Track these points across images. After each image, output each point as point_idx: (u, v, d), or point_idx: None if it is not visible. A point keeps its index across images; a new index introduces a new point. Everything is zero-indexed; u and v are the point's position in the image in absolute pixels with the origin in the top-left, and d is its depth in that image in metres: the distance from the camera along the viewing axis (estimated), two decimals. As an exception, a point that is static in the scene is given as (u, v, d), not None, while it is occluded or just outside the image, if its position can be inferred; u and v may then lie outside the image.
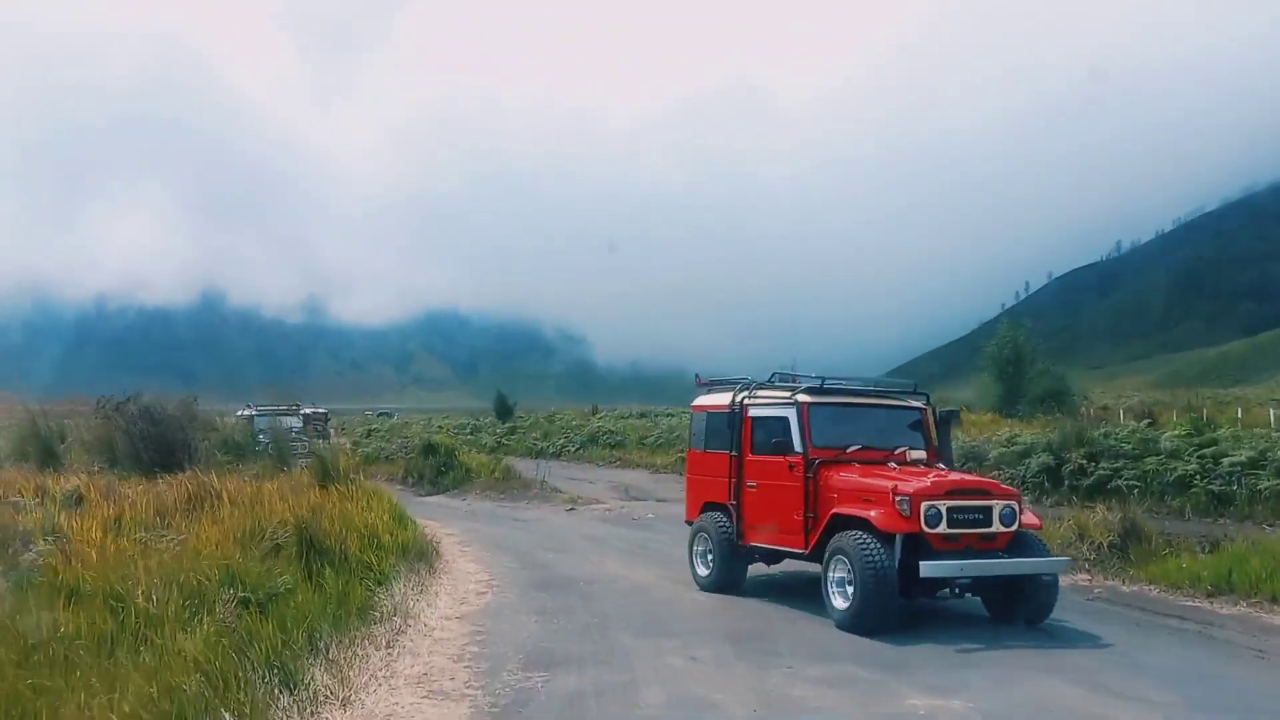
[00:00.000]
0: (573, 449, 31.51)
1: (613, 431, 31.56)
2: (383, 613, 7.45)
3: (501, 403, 49.79)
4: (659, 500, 19.42)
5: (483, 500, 20.29)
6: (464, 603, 8.65)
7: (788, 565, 9.62)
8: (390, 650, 6.61)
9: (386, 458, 27.21)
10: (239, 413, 25.23)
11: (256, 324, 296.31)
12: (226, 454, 21.11)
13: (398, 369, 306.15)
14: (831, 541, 7.95)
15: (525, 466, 23.40)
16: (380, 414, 73.78)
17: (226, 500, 10.70)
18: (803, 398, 8.84)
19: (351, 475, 14.77)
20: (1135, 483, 14.20)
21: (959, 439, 19.60)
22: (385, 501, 13.04)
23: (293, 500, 10.83)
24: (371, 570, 8.78)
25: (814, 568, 8.63)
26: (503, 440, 36.05)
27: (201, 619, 5.72)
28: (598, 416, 42.93)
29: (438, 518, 16.20)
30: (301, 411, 26.67)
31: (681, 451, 26.29)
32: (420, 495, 21.95)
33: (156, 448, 18.11)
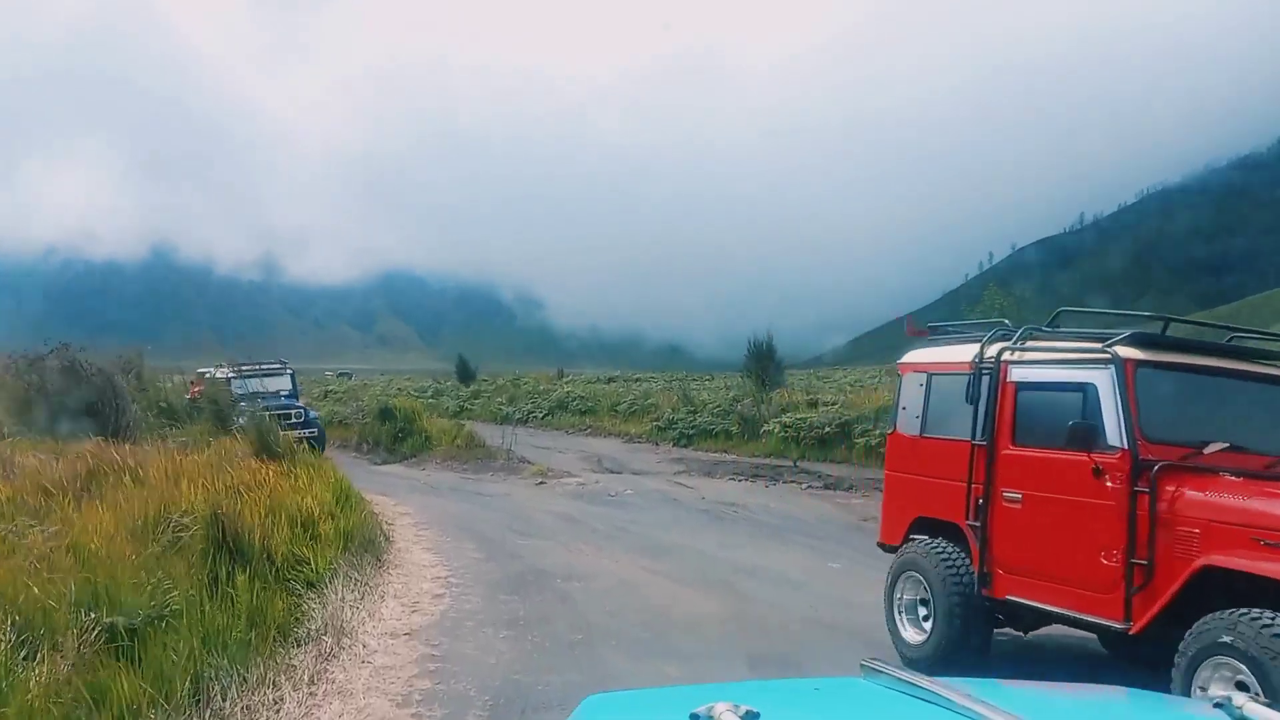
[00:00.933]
0: (540, 415, 29.94)
1: (583, 397, 30.01)
2: (310, 630, 5.87)
3: (463, 365, 47.93)
4: (635, 473, 17.97)
5: (443, 471, 18.67)
6: (416, 609, 7.08)
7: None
8: (313, 689, 5.03)
9: (341, 422, 25.40)
10: (210, 372, 21.47)
11: (211, 281, 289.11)
12: (161, 417, 19.28)
13: (361, 329, 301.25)
14: (1202, 624, 4.36)
15: (490, 433, 21.80)
16: (340, 374, 71.41)
17: (133, 477, 9.01)
18: (1127, 352, 5.12)
19: (294, 444, 13.10)
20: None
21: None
22: (330, 476, 11.42)
23: (216, 477, 9.18)
24: (304, 568, 7.20)
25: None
26: (466, 405, 34.34)
27: (43, 661, 4.10)
28: (566, 381, 41.36)
29: (392, 492, 14.60)
30: (289, 369, 21.92)
31: (656, 421, 24.90)
32: (375, 464, 20.33)
33: (79, 410, 16.27)
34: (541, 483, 16.32)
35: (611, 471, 18.19)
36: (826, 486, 15.84)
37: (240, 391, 19.19)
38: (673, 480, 16.52)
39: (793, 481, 16.50)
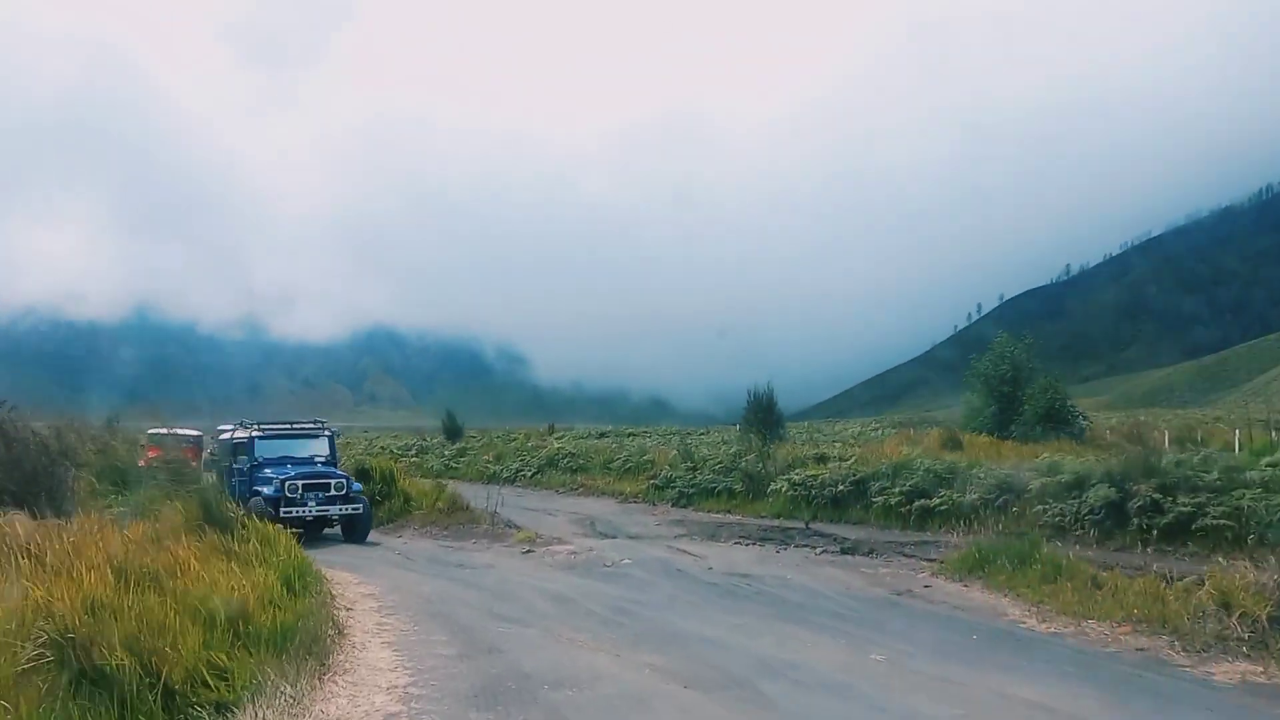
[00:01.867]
0: (529, 473, 28.33)
1: (574, 454, 28.43)
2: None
3: (451, 422, 46.29)
4: (631, 537, 16.38)
5: (421, 538, 17.02)
6: (360, 740, 5.51)
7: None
8: None
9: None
10: (220, 436, 19.05)
11: (196, 341, 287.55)
12: (108, 484, 17.63)
13: (352, 387, 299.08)
14: None
15: (475, 494, 20.17)
16: (326, 433, 69.32)
17: (35, 561, 7.43)
18: None
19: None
20: (1228, 522, 11.53)
21: (979, 465, 16.91)
22: (282, 552, 9.83)
23: (132, 559, 7.62)
24: (220, 682, 5.63)
25: None
26: (451, 463, 32.72)
27: None
28: (556, 437, 39.80)
29: (359, 566, 12.98)
30: (327, 431, 17.93)
31: (653, 479, 23.21)
32: (348, 531, 18.64)
33: (12, 478, 14.70)
34: (529, 551, 14.71)
35: (606, 536, 16.60)
36: (844, 551, 14.30)
37: (265, 457, 16.66)
38: (674, 546, 14.94)
39: (805, 545, 14.96)
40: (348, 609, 9.32)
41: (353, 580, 11.29)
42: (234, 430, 18.08)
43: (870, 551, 14.06)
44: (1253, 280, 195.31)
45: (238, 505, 15.49)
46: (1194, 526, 11.79)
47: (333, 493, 16.04)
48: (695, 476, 20.63)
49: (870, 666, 7.34)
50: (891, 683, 6.81)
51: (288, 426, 17.86)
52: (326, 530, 16.60)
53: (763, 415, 26.05)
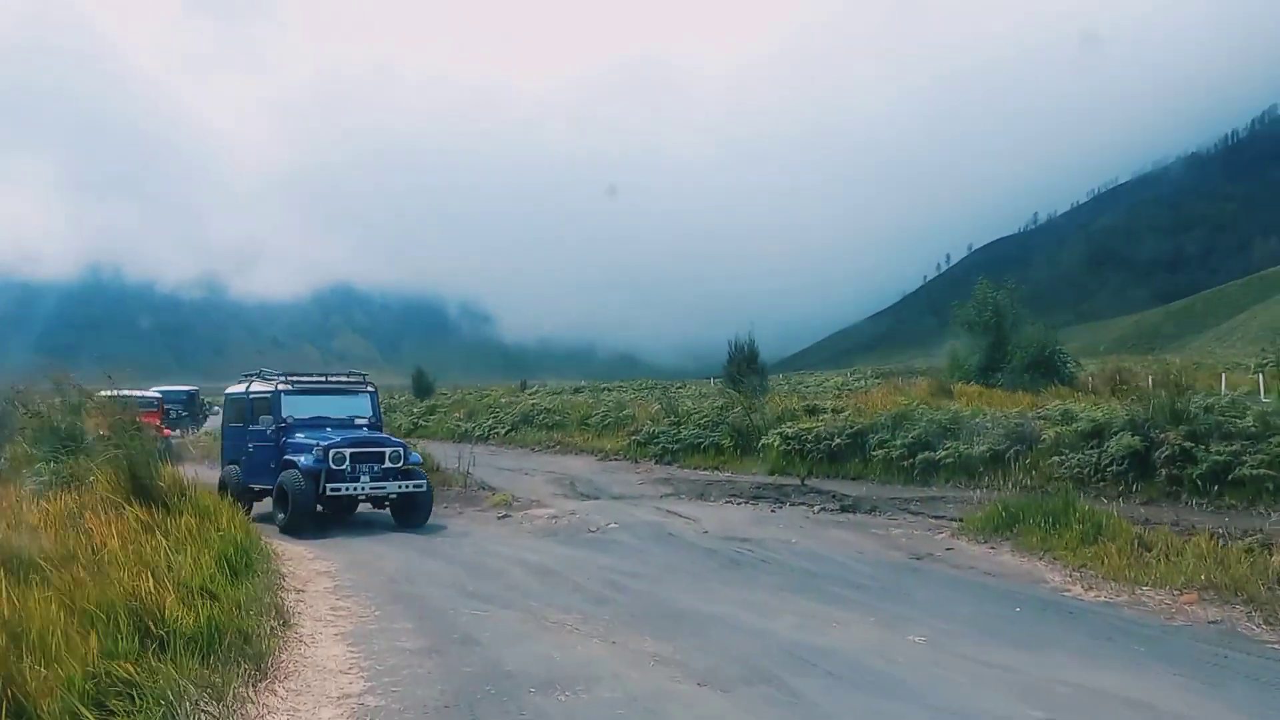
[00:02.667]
0: (502, 431, 27.13)
1: (549, 410, 27.23)
2: None
3: (421, 378, 44.90)
4: (615, 498, 15.31)
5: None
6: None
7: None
8: None
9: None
10: (229, 390, 15.62)
11: (156, 300, 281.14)
12: (46, 447, 16.17)
13: (320, 346, 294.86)
14: None
15: (445, 453, 18.97)
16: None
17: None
18: None
19: (187, 484, 10.18)
20: (1269, 472, 10.61)
21: (983, 414, 15.97)
22: (223, 527, 8.60)
23: (25, 542, 6.36)
24: (125, 703, 4.43)
25: None
26: (420, 421, 31.44)
27: None
28: (530, 393, 38.58)
29: (315, 538, 11.73)
30: (369, 386, 14.74)
31: (634, 434, 22.08)
32: (309, 496, 17.33)
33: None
34: (505, 515, 13.58)
35: (588, 497, 15.50)
36: (844, 509, 13.35)
37: (295, 418, 13.41)
38: (662, 507, 13.87)
39: (802, 504, 14.00)
40: (298, 591, 8.11)
41: (306, 555, 10.07)
42: (248, 384, 14.47)
43: (873, 509, 13.11)
44: (1219, 226, 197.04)
45: (232, 479, 13.68)
46: (1230, 477, 10.87)
47: (388, 464, 12.74)
48: (680, 431, 19.54)
49: (912, 651, 6.28)
50: (944, 673, 5.75)
51: (321, 380, 14.52)
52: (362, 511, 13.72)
53: (747, 366, 24.96)
